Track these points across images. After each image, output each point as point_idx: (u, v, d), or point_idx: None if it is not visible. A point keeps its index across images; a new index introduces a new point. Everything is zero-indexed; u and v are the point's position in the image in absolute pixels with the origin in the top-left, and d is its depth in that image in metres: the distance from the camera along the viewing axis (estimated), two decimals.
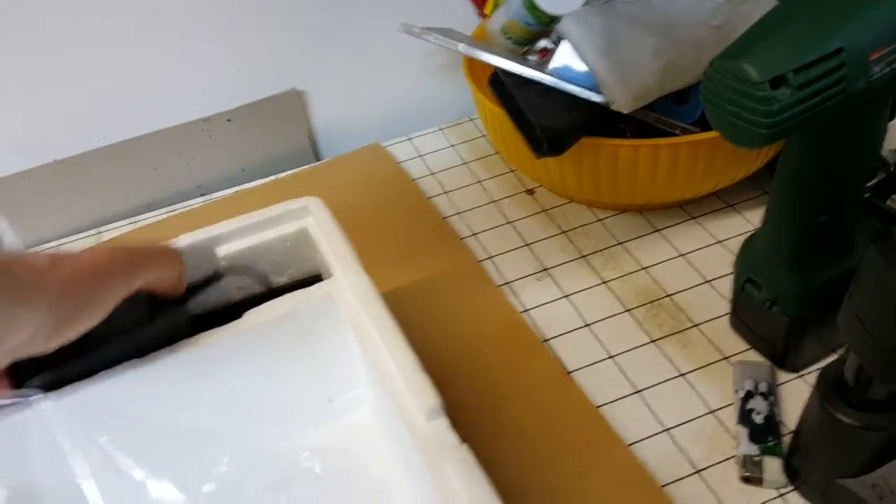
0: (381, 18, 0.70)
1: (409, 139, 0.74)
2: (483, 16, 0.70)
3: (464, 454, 0.33)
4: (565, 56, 0.56)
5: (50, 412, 0.36)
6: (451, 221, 0.64)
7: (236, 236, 0.47)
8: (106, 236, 0.68)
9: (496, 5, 0.68)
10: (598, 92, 0.53)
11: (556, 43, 0.62)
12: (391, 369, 0.38)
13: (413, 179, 0.69)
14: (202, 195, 0.71)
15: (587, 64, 0.53)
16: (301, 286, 0.48)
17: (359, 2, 0.69)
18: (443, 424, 0.35)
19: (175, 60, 0.66)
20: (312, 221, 0.47)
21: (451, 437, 0.34)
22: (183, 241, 0.46)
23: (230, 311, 0.44)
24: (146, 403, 0.39)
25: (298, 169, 0.72)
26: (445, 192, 0.67)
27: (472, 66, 0.62)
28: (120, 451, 0.38)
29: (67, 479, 0.37)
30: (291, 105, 0.72)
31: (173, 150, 0.69)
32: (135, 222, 0.69)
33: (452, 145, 0.73)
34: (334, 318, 0.43)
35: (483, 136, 0.73)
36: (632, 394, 0.49)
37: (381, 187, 0.68)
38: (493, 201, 0.65)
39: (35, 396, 0.36)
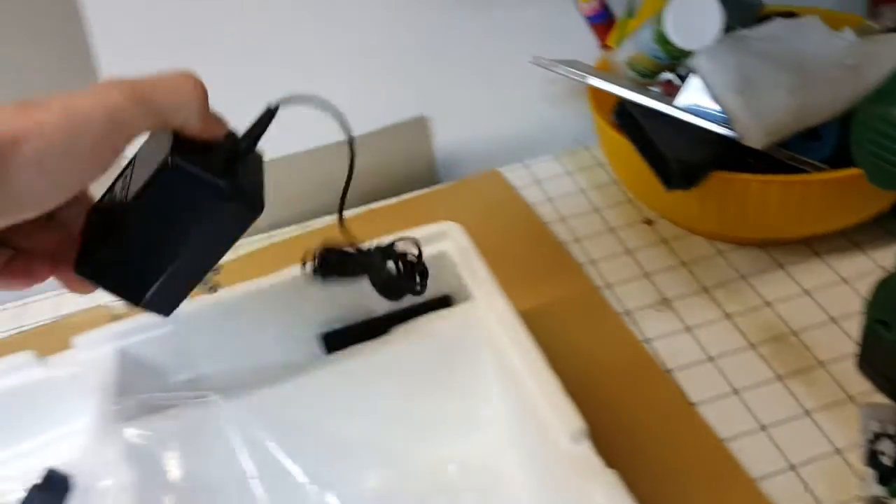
0: (503, 46, 0.73)
1: (526, 165, 0.76)
2: (605, 47, 0.72)
3: (612, 479, 0.35)
4: (695, 90, 0.57)
5: (225, 412, 0.39)
6: (569, 248, 0.65)
7: None
8: (241, 250, 0.72)
9: (620, 37, 0.70)
10: (730, 127, 0.54)
11: (683, 76, 0.63)
12: (533, 391, 0.40)
13: (530, 205, 0.71)
14: (330, 214, 0.75)
15: (719, 100, 0.54)
16: (432, 306, 0.51)
17: (484, 30, 0.72)
18: (587, 448, 0.37)
19: (317, 84, 0.70)
20: (451, 245, 0.50)
21: (597, 462, 0.36)
22: None
23: (375, 326, 0.47)
24: (303, 412, 0.42)
25: (419, 192, 0.75)
26: (562, 219, 0.69)
27: (596, 95, 0.64)
28: (283, 454, 0.41)
29: (237, 477, 0.40)
30: (417, 130, 0.75)
31: (311, 171, 0.73)
32: (271, 236, 0.73)
33: (569, 172, 0.75)
34: (474, 338, 0.45)
35: (599, 164, 0.75)
36: (756, 429, 0.49)
37: (500, 212, 0.71)
38: (611, 229, 0.67)
39: (213, 397, 0.39)
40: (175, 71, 0.34)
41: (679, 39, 0.56)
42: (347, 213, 0.73)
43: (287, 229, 0.74)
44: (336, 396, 0.43)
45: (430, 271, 0.51)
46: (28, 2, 0.61)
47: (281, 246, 0.72)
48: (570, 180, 0.74)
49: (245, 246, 0.72)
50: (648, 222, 0.67)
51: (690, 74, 0.58)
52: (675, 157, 0.51)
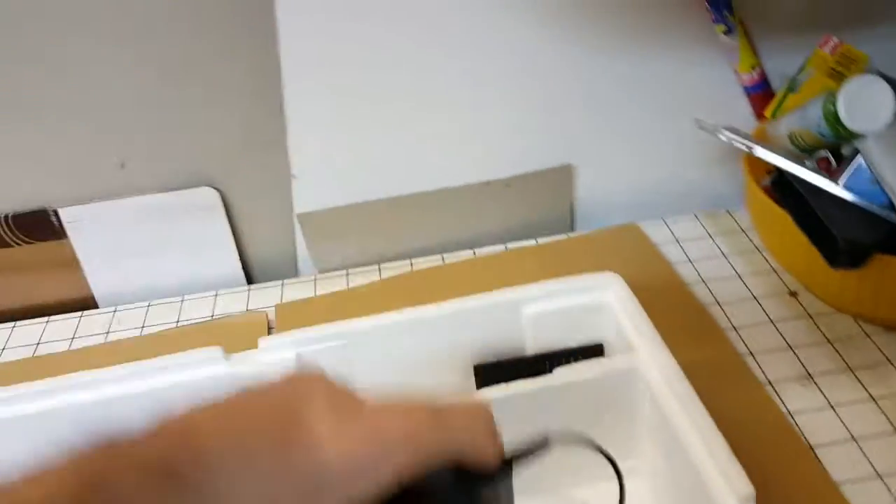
0: (657, 102, 0.75)
1: (666, 223, 0.78)
2: (761, 117, 0.73)
3: None
4: (860, 171, 0.58)
5: None
6: (710, 311, 0.66)
7: (540, 299, 0.52)
8: (385, 273, 0.76)
9: (777, 109, 0.71)
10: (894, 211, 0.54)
11: (838, 154, 0.64)
12: (698, 449, 0.41)
13: (671, 263, 0.72)
14: (471, 248, 0.78)
15: (886, 184, 0.55)
16: (585, 353, 0.53)
17: (640, 84, 0.74)
18: None
19: (470, 125, 0.74)
20: (611, 295, 0.52)
21: None
22: (486, 299, 0.52)
23: (527, 364, 0.49)
24: None
25: (555, 237, 0.78)
26: (703, 281, 0.70)
27: (751, 163, 0.65)
28: None
29: None
30: (561, 177, 0.78)
31: (456, 205, 0.77)
32: (412, 265, 0.77)
33: (710, 235, 0.76)
34: (634, 388, 0.47)
35: (742, 230, 0.76)
36: None
37: (639, 266, 0.72)
38: (754, 297, 0.67)
39: None
40: (469, 400, 0.35)
41: (851, 121, 0.57)
42: (487, 250, 0.78)
43: (428, 258, 0.77)
44: None
45: (587, 319, 0.53)
46: (229, 19, 0.67)
47: (421, 274, 0.75)
48: (712, 243, 0.75)
49: (388, 270, 0.76)
50: (793, 294, 0.67)
51: (856, 155, 0.59)
52: (844, 237, 0.52)
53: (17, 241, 0.74)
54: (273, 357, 0.51)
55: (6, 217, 0.72)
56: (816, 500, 0.50)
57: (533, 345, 0.54)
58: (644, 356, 0.47)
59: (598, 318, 0.52)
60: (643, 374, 0.46)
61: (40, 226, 0.73)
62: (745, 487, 0.38)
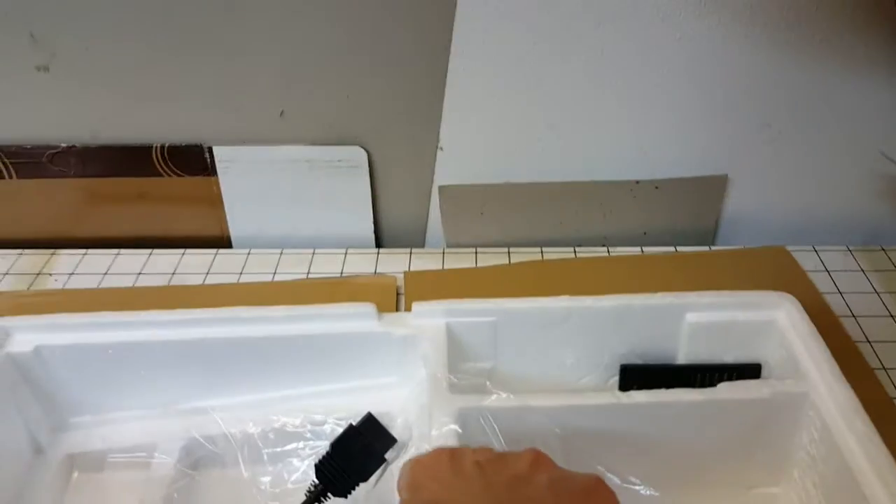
0: (831, 123, 0.72)
1: (815, 250, 0.74)
2: None
3: None
4: None
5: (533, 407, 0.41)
6: (860, 348, 0.63)
7: (704, 308, 0.51)
8: (515, 258, 0.75)
9: None
10: None
11: None
12: (877, 492, 0.39)
13: (821, 293, 0.69)
14: (604, 245, 0.77)
15: None
16: (740, 370, 0.51)
17: (816, 106, 0.71)
18: None
19: (630, 121, 0.73)
20: (783, 315, 0.50)
21: None
22: (653, 301, 0.51)
23: (675, 372, 0.48)
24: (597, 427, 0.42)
25: (696, 248, 0.75)
26: (853, 316, 0.66)
27: None
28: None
29: None
30: (714, 188, 0.75)
31: (598, 200, 0.76)
32: (542, 253, 0.76)
33: (862, 270, 0.72)
34: (800, 416, 0.45)
35: None
36: None
37: (786, 291, 0.69)
38: None
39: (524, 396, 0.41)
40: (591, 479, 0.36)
41: None
42: (622, 251, 0.76)
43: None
44: (625, 428, 0.43)
45: (751, 337, 0.51)
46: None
47: (552, 265, 0.74)
48: (863, 278, 0.71)
49: (517, 255, 0.75)
50: None
51: None
52: None
53: (169, 171, 0.76)
54: (423, 322, 0.51)
55: (162, 147, 0.74)
56: None
57: (685, 354, 0.53)
58: (817, 383, 0.45)
59: (762, 337, 0.50)
60: (814, 403, 0.44)
61: (193, 160, 0.75)
62: None
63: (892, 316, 0.67)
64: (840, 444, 0.42)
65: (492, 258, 0.76)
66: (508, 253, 0.76)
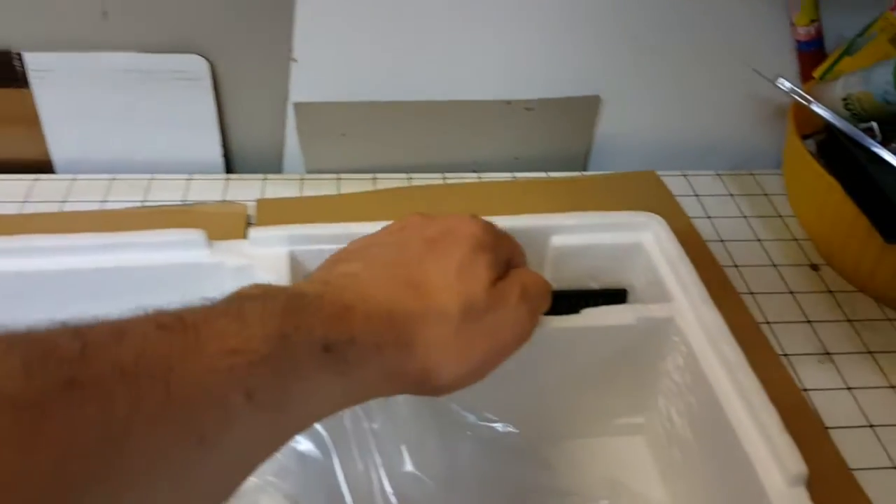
0: (700, 45, 0.69)
1: (685, 176, 0.73)
2: (809, 78, 0.68)
3: None
4: None
5: None
6: (728, 272, 0.62)
7: (571, 231, 0.47)
8: (380, 184, 0.69)
9: (829, 70, 0.66)
10: None
11: (890, 129, 0.59)
12: (743, 419, 0.37)
13: (689, 218, 0.67)
14: (474, 171, 0.72)
15: None
16: (606, 297, 0.48)
17: (686, 25, 0.68)
18: (804, 495, 0.34)
19: (500, 37, 0.67)
20: (650, 238, 0.47)
21: None
22: (517, 222, 0.46)
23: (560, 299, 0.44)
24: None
25: (568, 173, 0.72)
26: (721, 241, 0.65)
27: (798, 123, 0.60)
28: None
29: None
30: (587, 110, 0.72)
31: (468, 122, 0.70)
32: (410, 178, 0.70)
33: (731, 195, 0.71)
34: (665, 343, 0.42)
35: (765, 193, 0.71)
36: None
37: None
38: (774, 265, 0.63)
39: None
40: (537, 277, 0.39)
41: None
42: (493, 176, 0.71)
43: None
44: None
45: (619, 259, 0.48)
46: None
47: (420, 191, 0.69)
48: (732, 203, 0.70)
49: (384, 182, 0.70)
50: (815, 268, 0.63)
51: None
52: None
53: None
54: (262, 251, 0.45)
55: None
56: (832, 484, 0.46)
57: (551, 280, 0.49)
58: (684, 308, 0.42)
59: (629, 260, 0.47)
60: (680, 327, 0.42)
61: (1, 69, 0.64)
62: (798, 466, 0.34)
63: (759, 240, 0.66)
64: (706, 369, 0.39)
65: (355, 185, 0.70)
66: (374, 179, 0.70)
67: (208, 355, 0.24)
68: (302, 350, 0.27)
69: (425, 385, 0.33)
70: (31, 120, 0.67)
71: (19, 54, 0.63)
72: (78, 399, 0.21)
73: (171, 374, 0.23)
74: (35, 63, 0.64)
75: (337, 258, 0.37)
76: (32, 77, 0.64)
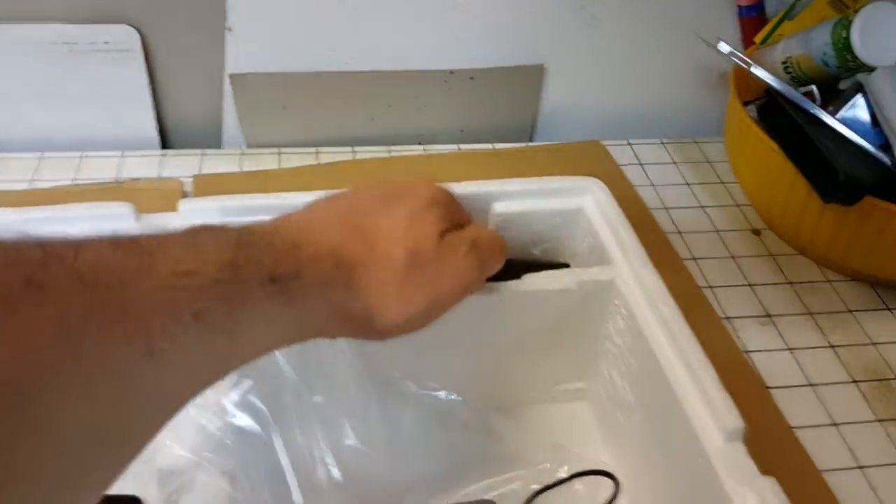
0: (643, 12, 0.69)
1: (630, 144, 0.73)
2: (750, 43, 0.68)
3: (774, 487, 0.32)
4: (860, 108, 0.54)
5: None
6: (670, 239, 0.62)
7: (513, 197, 0.46)
8: (323, 158, 0.68)
9: (770, 35, 0.66)
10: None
11: (830, 90, 0.60)
12: (682, 378, 0.37)
13: (633, 186, 0.67)
14: (420, 143, 0.71)
15: (890, 123, 0.51)
16: (550, 268, 0.47)
17: None
18: (741, 450, 0.34)
19: (440, 6, 0.66)
20: (590, 202, 0.47)
21: (753, 466, 0.33)
22: (459, 189, 0.45)
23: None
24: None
25: (514, 144, 0.71)
26: (665, 208, 0.66)
27: (737, 88, 0.60)
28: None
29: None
30: (531, 79, 0.71)
31: (412, 93, 0.69)
32: (354, 153, 0.69)
33: (675, 162, 0.71)
34: (606, 305, 0.42)
35: (707, 161, 0.71)
36: (854, 467, 0.47)
37: None
38: (716, 231, 0.64)
39: None
40: (491, 233, 0.40)
41: (865, 52, 0.52)
42: (439, 149, 0.70)
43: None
44: (456, 329, 0.39)
45: (560, 228, 0.48)
46: None
47: (364, 164, 0.68)
48: (676, 170, 0.70)
49: (327, 156, 0.68)
50: (756, 232, 0.64)
51: (857, 90, 0.55)
52: (848, 172, 0.48)
53: None
54: (194, 223, 0.43)
55: None
56: (772, 441, 0.47)
57: None
58: (624, 272, 0.42)
59: (570, 224, 0.47)
60: (620, 290, 0.41)
61: None
62: (735, 421, 0.34)
63: (702, 207, 0.66)
64: (645, 331, 0.39)
65: (298, 159, 0.68)
66: (317, 153, 0.69)
67: (161, 275, 0.25)
68: (250, 279, 0.28)
69: (368, 327, 0.33)
70: None
71: None
72: (38, 298, 0.21)
73: (124, 288, 0.24)
74: None
75: (290, 213, 0.37)
76: None
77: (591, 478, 0.40)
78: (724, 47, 0.56)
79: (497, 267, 0.39)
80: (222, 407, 0.36)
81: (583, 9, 0.68)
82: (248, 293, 0.28)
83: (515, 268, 0.44)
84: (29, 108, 0.65)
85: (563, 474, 0.40)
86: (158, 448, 0.35)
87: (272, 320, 0.29)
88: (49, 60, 0.63)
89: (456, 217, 0.38)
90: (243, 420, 0.37)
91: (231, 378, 0.36)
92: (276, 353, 0.40)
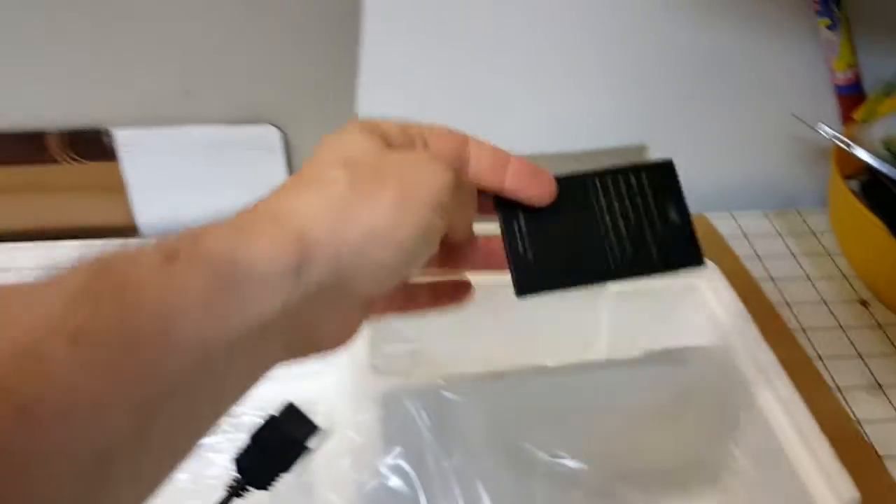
0: (740, 89, 0.72)
1: (733, 216, 0.75)
2: (848, 120, 0.71)
3: None
4: None
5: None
6: (779, 310, 0.64)
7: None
8: None
9: (870, 112, 0.69)
10: None
11: None
12: (798, 451, 0.39)
13: (739, 258, 0.70)
14: None
15: None
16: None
17: (728, 72, 0.72)
18: None
19: (546, 94, 0.72)
20: (704, 284, 0.50)
21: None
22: None
23: None
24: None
25: None
26: (772, 279, 0.68)
27: (840, 164, 0.63)
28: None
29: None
30: (633, 158, 0.75)
31: None
32: None
33: (779, 234, 0.73)
34: (721, 382, 0.45)
35: (811, 231, 0.73)
36: None
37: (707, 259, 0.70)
38: (824, 302, 0.65)
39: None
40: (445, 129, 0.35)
41: None
42: None
43: None
44: (551, 403, 0.43)
45: (674, 306, 0.51)
46: None
47: None
48: (781, 242, 0.72)
49: None
50: (864, 303, 0.65)
51: None
52: None
53: (67, 158, 0.71)
54: None
55: (60, 133, 0.69)
56: None
57: (607, 325, 0.52)
58: (739, 350, 0.45)
59: (686, 304, 0.50)
60: (738, 368, 0.44)
61: (92, 145, 0.70)
62: (850, 492, 0.36)
63: (809, 278, 0.68)
64: (762, 405, 0.42)
65: None
66: None
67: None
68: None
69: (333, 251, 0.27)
70: (118, 189, 0.73)
71: (108, 131, 0.70)
72: None
73: None
74: (124, 139, 0.70)
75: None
76: (121, 151, 0.71)
77: None
78: (825, 129, 0.59)
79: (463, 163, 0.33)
80: (377, 469, 0.41)
81: (683, 92, 0.72)
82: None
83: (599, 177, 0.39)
84: (183, 199, 0.74)
85: None
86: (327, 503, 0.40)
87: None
88: (203, 157, 0.72)
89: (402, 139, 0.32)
90: (394, 481, 0.42)
91: (386, 443, 0.41)
92: (417, 420, 0.45)
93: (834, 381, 0.58)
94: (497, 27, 0.68)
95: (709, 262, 0.50)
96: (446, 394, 0.44)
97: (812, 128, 0.60)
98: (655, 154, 0.76)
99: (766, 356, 0.43)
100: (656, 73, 0.71)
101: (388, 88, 0.70)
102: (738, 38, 0.70)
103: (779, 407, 0.41)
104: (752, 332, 0.45)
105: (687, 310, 0.50)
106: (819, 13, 0.67)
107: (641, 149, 0.75)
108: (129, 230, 0.75)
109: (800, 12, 0.68)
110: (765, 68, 0.72)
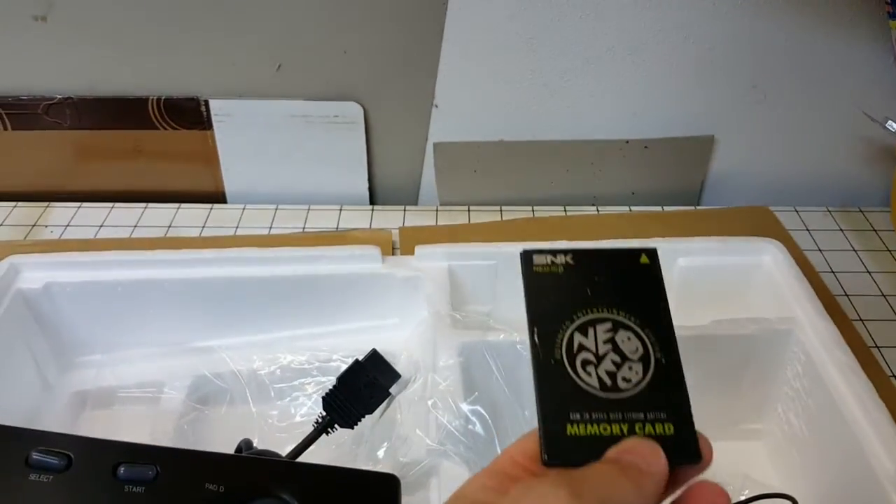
0: (812, 89, 0.74)
1: (796, 211, 0.77)
2: None
3: None
4: None
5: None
6: (839, 301, 0.66)
7: (696, 253, 0.53)
8: (506, 215, 0.77)
9: None
10: None
11: None
12: (859, 418, 0.41)
13: (802, 250, 0.72)
14: (593, 205, 0.79)
15: None
16: None
17: (799, 70, 0.73)
18: None
19: (620, 82, 0.74)
20: (769, 260, 0.52)
21: None
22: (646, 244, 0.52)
23: None
24: None
25: (682, 207, 0.78)
26: (832, 272, 0.69)
27: None
28: None
29: None
30: (701, 148, 0.78)
31: (589, 160, 0.77)
32: (533, 211, 0.78)
33: (841, 230, 0.75)
34: (783, 351, 0.47)
35: (874, 229, 0.75)
36: None
37: None
38: (883, 295, 0.67)
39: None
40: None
41: None
42: (611, 209, 0.78)
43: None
44: None
45: (740, 282, 0.53)
46: None
47: (543, 221, 0.76)
48: (842, 238, 0.74)
49: (509, 213, 0.77)
50: None
51: None
52: None
53: (164, 124, 0.76)
54: (426, 265, 0.53)
55: (158, 99, 0.75)
56: None
57: (676, 299, 0.55)
58: (801, 320, 0.47)
59: (752, 279, 0.52)
60: (799, 338, 0.47)
61: (189, 113, 0.75)
62: None
63: (869, 272, 0.69)
64: (823, 375, 0.44)
65: (484, 216, 0.77)
66: (500, 211, 0.78)
67: None
68: None
69: None
70: (211, 157, 0.78)
71: (206, 101, 0.75)
72: None
73: None
74: (218, 108, 0.75)
75: None
76: (215, 120, 0.76)
77: (771, 501, 0.45)
78: (893, 126, 0.60)
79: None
80: (457, 411, 0.45)
81: (754, 86, 0.74)
82: None
83: None
84: (269, 168, 0.79)
85: (743, 497, 0.45)
86: (412, 439, 0.44)
87: None
88: (289, 130, 0.76)
89: None
90: (473, 423, 0.45)
91: (466, 389, 0.45)
92: (494, 372, 0.48)
93: (890, 370, 0.59)
94: (568, 18, 0.71)
95: (773, 241, 0.52)
96: (520, 349, 0.47)
97: (881, 124, 0.61)
98: (724, 145, 0.78)
99: (827, 329, 0.46)
100: (726, 69, 0.74)
101: (466, 74, 0.74)
102: (809, 35, 0.71)
103: (839, 375, 0.43)
104: (815, 305, 0.47)
105: (753, 285, 0.52)
106: (890, 15, 0.68)
107: (710, 139, 0.77)
108: (217, 195, 0.80)
109: (871, 12, 0.70)
110: (835, 66, 0.73)
